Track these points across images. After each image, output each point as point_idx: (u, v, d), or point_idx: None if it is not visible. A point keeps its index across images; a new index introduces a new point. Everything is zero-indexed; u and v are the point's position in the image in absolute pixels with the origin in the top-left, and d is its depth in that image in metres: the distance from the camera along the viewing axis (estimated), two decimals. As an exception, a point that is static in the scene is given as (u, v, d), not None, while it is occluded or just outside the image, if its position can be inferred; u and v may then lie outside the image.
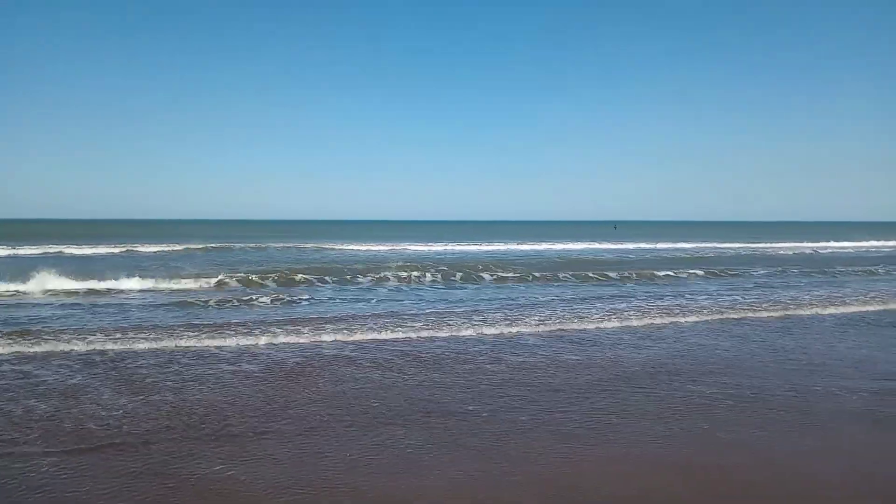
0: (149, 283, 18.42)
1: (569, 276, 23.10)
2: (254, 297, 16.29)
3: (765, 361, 9.85)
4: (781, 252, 41.47)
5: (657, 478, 5.44)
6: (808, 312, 14.97)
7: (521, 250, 41.71)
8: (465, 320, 13.34)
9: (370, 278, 21.47)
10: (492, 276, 23.00)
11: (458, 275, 22.75)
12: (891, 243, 53.50)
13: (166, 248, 36.55)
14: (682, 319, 13.78)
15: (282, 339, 11.10)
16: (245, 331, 11.74)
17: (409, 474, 5.49)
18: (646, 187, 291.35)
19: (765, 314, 14.57)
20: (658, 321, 13.53)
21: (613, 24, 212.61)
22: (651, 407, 7.45)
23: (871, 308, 15.77)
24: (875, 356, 10.28)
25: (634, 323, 13.26)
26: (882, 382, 8.58)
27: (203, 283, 19.25)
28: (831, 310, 15.31)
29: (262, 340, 10.96)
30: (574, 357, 10.13)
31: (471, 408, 7.39)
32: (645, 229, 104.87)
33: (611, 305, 15.87)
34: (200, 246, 39.08)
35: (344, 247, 41.72)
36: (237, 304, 15.52)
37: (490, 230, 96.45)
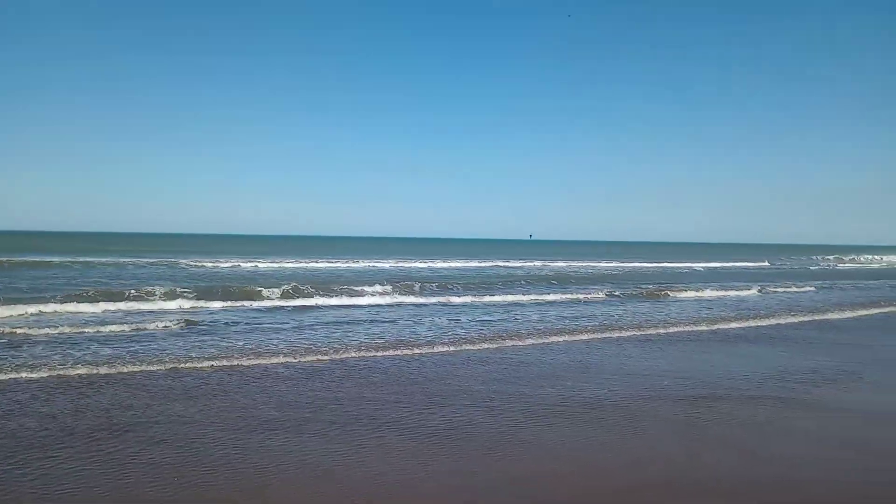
0: None
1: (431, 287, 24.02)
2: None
3: (594, 374, 11.13)
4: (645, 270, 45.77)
5: (490, 492, 6.08)
6: (626, 334, 16.84)
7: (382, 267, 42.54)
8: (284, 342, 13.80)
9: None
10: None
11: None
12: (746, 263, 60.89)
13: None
14: (515, 343, 14.99)
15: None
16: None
17: (263, 495, 5.79)
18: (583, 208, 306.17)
19: (591, 335, 16.19)
20: (490, 344, 14.67)
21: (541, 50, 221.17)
22: (486, 419, 8.25)
23: (681, 329, 18.09)
24: (691, 368, 11.93)
25: (471, 346, 14.14)
26: (698, 390, 10.07)
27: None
28: (651, 330, 17.33)
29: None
30: (412, 375, 10.88)
31: (317, 426, 7.78)
32: (565, 247, 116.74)
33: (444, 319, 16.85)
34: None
35: (219, 263, 40.15)
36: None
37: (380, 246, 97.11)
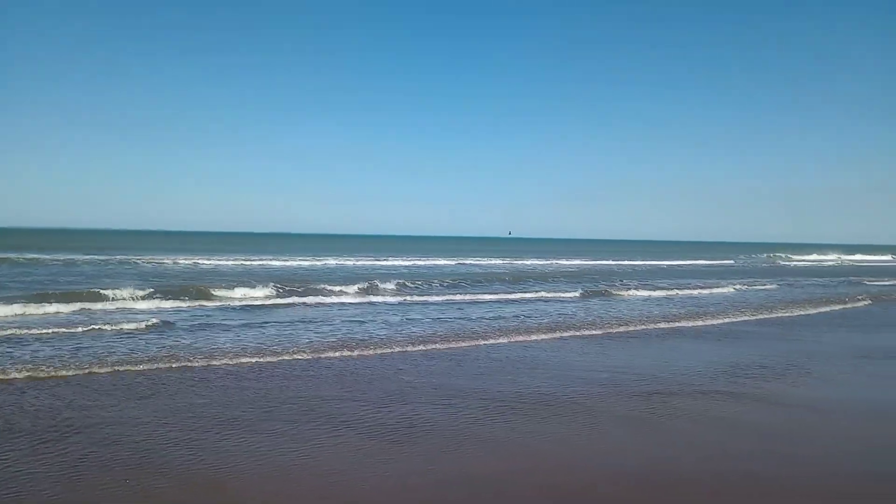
0: None
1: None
2: None
3: (549, 370, 11.34)
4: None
5: (450, 490, 6.13)
6: (581, 333, 17.18)
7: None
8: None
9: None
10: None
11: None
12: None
13: None
14: (471, 341, 15.16)
15: None
16: None
17: (218, 496, 5.77)
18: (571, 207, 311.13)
19: (546, 333, 16.43)
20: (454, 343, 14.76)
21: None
22: (445, 417, 8.35)
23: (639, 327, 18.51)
24: (645, 364, 12.21)
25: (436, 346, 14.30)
26: (653, 386, 10.34)
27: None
28: (615, 328, 17.68)
29: None
30: (369, 374, 10.93)
31: (274, 425, 7.75)
32: (540, 244, 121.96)
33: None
34: None
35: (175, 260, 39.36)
36: None
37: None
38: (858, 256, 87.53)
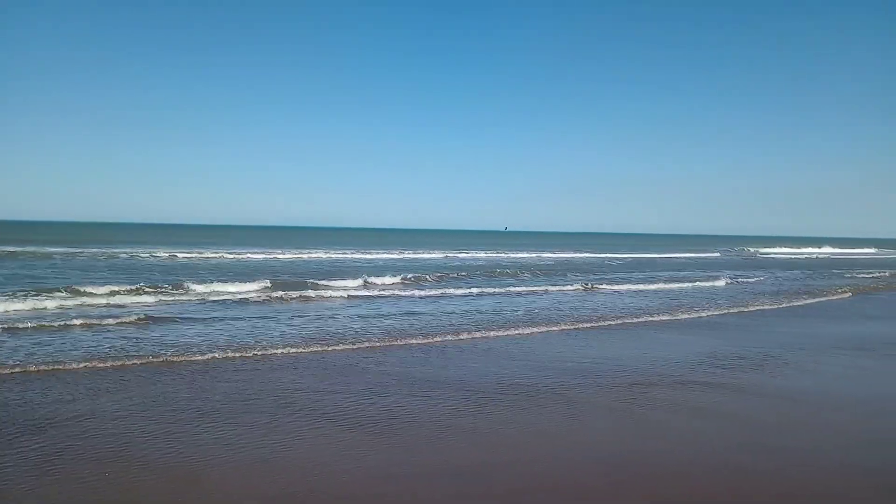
0: None
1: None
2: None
3: (530, 362, 11.49)
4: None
5: (431, 480, 6.22)
6: (562, 326, 17.38)
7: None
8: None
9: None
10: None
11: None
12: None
13: None
14: (450, 334, 15.31)
15: None
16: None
17: (197, 488, 5.84)
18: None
19: (526, 326, 16.64)
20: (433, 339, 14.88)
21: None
22: (426, 409, 8.47)
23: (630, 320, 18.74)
24: (624, 355, 12.41)
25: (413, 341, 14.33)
26: (633, 377, 10.53)
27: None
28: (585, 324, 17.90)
29: None
30: (349, 367, 11.04)
31: (253, 417, 7.82)
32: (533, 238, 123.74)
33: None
34: None
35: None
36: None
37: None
38: (842, 249, 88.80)
